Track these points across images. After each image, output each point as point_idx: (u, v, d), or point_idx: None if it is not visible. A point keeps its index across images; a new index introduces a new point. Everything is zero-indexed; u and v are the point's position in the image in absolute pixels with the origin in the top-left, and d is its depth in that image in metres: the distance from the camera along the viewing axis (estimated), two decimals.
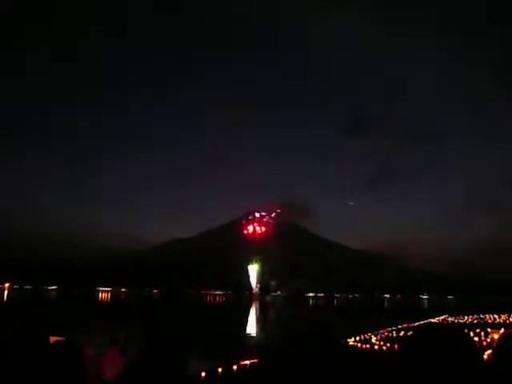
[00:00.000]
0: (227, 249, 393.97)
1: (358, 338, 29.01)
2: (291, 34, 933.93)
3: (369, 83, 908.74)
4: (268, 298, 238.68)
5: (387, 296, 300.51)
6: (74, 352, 2.56)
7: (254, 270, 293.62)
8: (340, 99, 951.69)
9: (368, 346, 25.29)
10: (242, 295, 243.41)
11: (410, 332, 31.91)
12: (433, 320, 57.72)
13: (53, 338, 2.97)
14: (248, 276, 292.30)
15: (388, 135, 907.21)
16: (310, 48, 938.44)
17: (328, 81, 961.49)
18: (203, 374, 15.16)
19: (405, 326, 40.19)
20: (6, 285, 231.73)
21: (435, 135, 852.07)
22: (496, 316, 58.51)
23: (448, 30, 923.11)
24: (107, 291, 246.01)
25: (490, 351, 15.88)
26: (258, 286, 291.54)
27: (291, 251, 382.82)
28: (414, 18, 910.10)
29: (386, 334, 33.76)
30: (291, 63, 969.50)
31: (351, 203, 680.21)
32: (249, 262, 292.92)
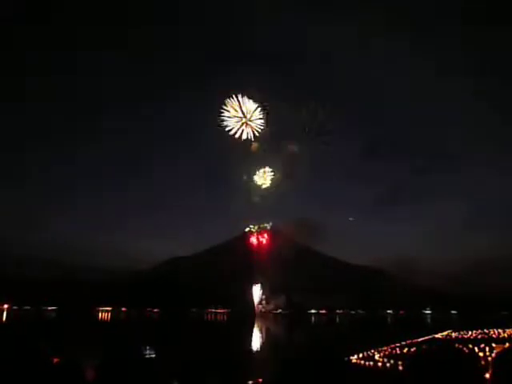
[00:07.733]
0: (228, 266, 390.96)
1: (361, 355, 28.67)
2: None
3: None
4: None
5: (390, 312, 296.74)
6: (77, 371, 2.58)
7: (257, 286, 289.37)
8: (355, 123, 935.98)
9: (371, 363, 25.00)
10: (243, 313, 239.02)
11: (414, 348, 31.50)
12: (436, 336, 57.04)
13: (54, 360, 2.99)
14: (250, 293, 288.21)
15: (397, 159, 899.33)
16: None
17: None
18: None
19: (408, 342, 39.71)
20: (5, 306, 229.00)
21: (440, 159, 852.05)
22: (500, 331, 57.85)
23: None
24: (107, 311, 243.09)
25: None
26: (264, 302, 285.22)
27: (293, 268, 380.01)
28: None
29: (390, 350, 33.36)
30: None
31: (351, 219, 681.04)
32: (252, 278, 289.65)
